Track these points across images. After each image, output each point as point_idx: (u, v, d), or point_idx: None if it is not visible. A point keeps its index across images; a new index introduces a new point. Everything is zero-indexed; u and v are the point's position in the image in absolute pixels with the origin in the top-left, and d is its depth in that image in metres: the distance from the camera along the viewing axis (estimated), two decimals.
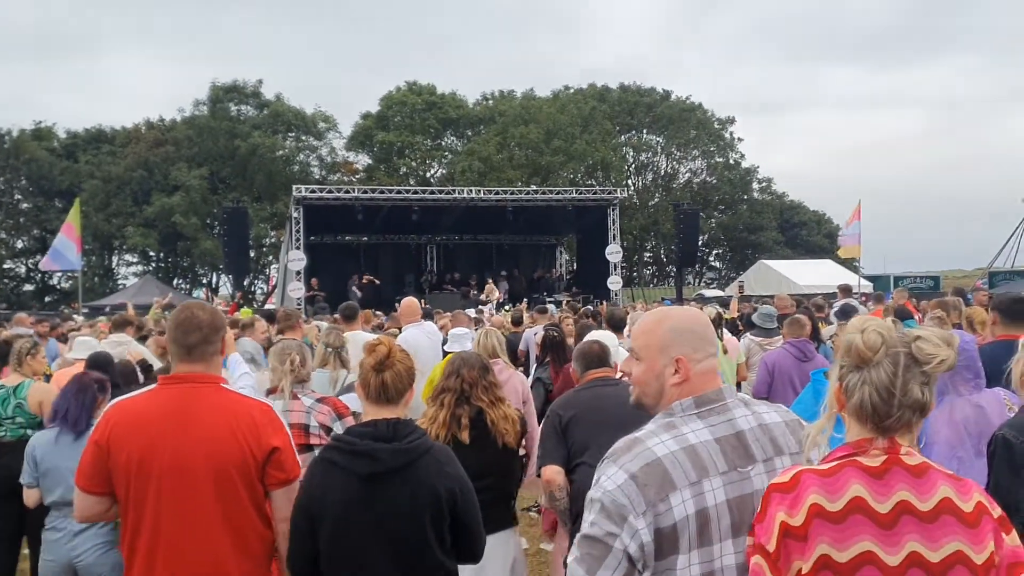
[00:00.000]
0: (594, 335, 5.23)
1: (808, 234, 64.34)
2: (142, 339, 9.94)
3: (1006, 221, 52.67)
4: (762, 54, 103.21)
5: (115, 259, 55.01)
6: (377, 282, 28.08)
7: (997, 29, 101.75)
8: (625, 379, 4.92)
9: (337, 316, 10.37)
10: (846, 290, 13.20)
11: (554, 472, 4.14)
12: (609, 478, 2.07)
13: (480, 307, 21.29)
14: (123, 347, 7.65)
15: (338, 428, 4.51)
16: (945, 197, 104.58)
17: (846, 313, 8.90)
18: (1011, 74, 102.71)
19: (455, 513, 2.93)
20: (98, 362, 5.85)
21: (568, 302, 22.31)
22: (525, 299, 25.09)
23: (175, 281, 52.81)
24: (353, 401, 4.51)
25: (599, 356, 4.58)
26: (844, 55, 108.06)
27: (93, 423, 3.89)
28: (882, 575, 1.78)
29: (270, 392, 4.65)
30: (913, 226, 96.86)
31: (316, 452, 4.04)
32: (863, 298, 17.38)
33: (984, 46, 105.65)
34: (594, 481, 2.12)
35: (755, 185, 65.76)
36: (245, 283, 40.35)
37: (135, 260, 54.71)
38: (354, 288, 27.05)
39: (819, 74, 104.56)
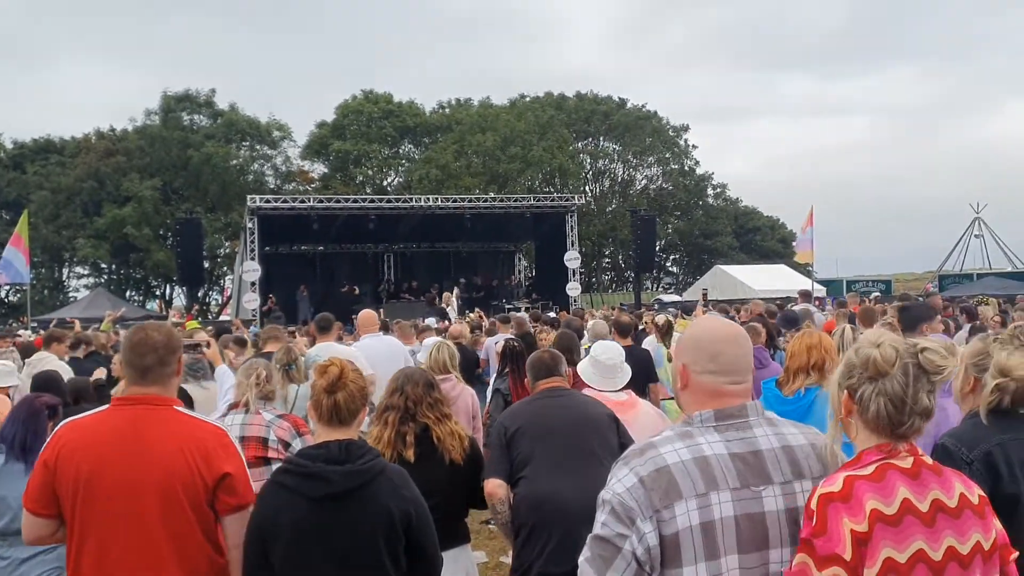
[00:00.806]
0: (603, 345, 5.14)
1: (763, 239, 65.14)
2: (93, 355, 9.74)
3: (955, 225, 54.00)
4: (714, 63, 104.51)
5: (65, 272, 53.96)
6: (356, 291, 28.02)
7: (943, 37, 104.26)
8: (584, 389, 4.93)
9: (311, 327, 10.30)
10: (806, 295, 13.29)
11: (495, 485, 4.06)
12: (619, 480, 2.10)
13: (442, 316, 21.21)
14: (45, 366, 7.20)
15: (297, 444, 4.48)
16: (895, 202, 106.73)
17: (789, 321, 8.97)
18: (956, 81, 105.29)
19: (410, 535, 2.90)
20: (48, 383, 5.63)
21: (527, 309, 22.35)
22: (478, 307, 25.05)
23: (127, 293, 51.87)
24: None
25: (549, 365, 4.51)
26: (794, 63, 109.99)
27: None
28: (930, 571, 1.90)
29: (234, 407, 4.59)
30: (864, 230, 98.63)
31: (273, 466, 4.00)
32: (818, 302, 17.65)
33: (931, 54, 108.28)
34: (607, 482, 2.14)
35: (710, 191, 66.46)
36: (199, 294, 39.83)
37: (86, 272, 53.66)
38: (303, 298, 26.91)
39: (770, 82, 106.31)
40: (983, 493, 2.04)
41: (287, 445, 4.47)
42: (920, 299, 12.33)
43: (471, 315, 18.50)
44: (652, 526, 2.02)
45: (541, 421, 4.20)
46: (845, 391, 2.09)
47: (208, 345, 6.51)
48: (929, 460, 2.03)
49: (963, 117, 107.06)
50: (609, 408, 4.39)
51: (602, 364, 4.89)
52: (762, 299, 14.14)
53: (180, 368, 3.12)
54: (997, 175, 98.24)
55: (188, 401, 5.26)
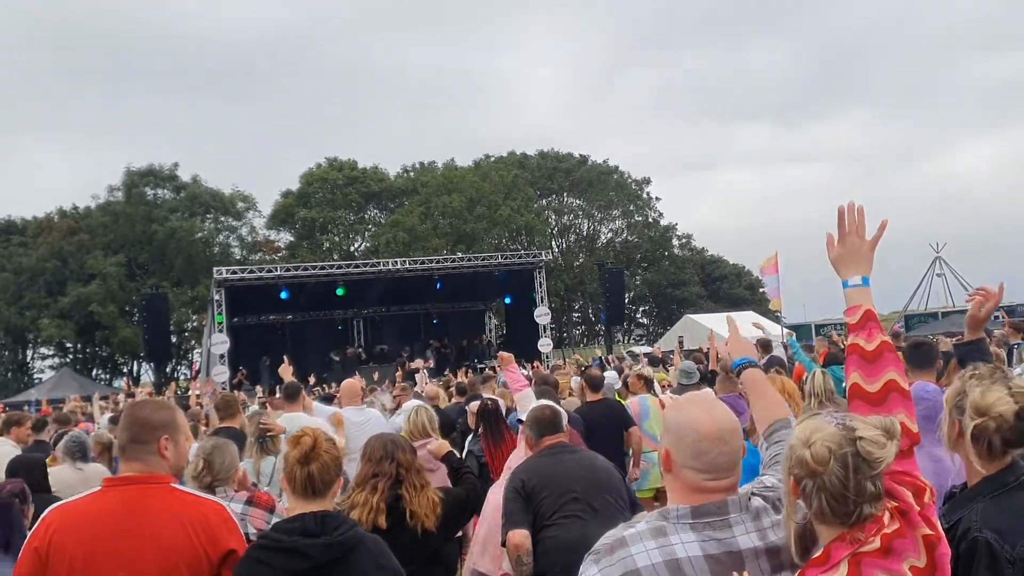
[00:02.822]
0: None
1: (730, 287, 65.79)
2: (62, 438, 9.47)
3: (917, 265, 54.75)
4: (672, 116, 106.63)
5: (29, 353, 53.05)
6: (363, 355, 27.89)
7: (895, 84, 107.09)
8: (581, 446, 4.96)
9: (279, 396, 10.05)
10: (765, 345, 12.63)
11: (522, 536, 4.10)
12: None
13: (414, 378, 20.97)
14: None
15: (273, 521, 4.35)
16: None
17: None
18: (909, 125, 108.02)
19: None
20: (15, 468, 5.38)
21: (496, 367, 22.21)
22: (452, 368, 24.89)
23: (94, 372, 51.07)
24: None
25: (553, 422, 4.57)
26: (751, 113, 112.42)
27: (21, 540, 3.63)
28: None
29: None
30: (829, 273, 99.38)
31: None
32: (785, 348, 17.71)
33: (883, 100, 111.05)
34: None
35: (675, 242, 67.35)
36: (167, 370, 39.26)
37: (51, 353, 52.80)
38: (265, 368, 26.66)
39: (728, 132, 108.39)
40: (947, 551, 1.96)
41: None
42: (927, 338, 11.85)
43: (442, 378, 18.34)
44: None
45: (560, 473, 4.29)
46: (792, 477, 2.00)
47: None
48: (890, 530, 1.92)
49: (918, 159, 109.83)
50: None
51: None
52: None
53: (182, 444, 3.07)
54: (954, 214, 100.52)
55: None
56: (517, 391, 5.68)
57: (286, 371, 8.17)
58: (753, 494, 2.20)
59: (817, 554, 1.96)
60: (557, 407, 4.73)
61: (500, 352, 6.29)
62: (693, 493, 2.14)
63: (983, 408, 2.52)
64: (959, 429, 2.64)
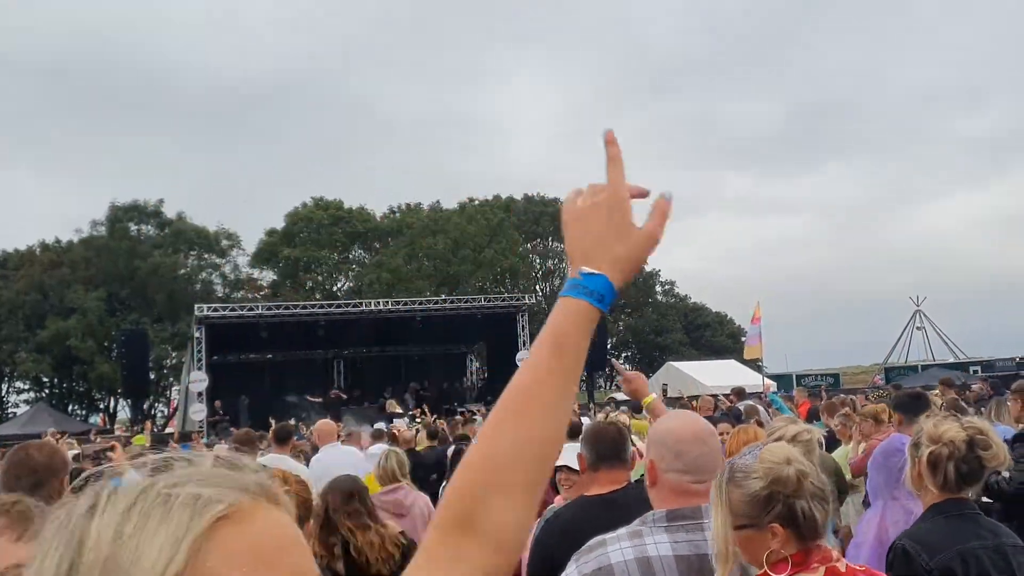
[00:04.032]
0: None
1: (712, 335, 65.96)
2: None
3: (897, 318, 55.21)
4: (656, 162, 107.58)
5: (4, 387, 52.37)
6: (344, 396, 27.61)
7: (877, 138, 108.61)
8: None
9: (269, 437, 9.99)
10: (739, 393, 12.61)
11: None
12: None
13: (393, 421, 20.82)
14: None
15: None
16: (839, 295, 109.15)
17: (735, 418, 8.91)
18: (891, 179, 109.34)
19: None
20: None
21: (481, 411, 22.10)
22: (432, 410, 24.74)
23: (70, 407, 50.38)
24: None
25: (617, 444, 3.41)
26: (734, 163, 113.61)
27: None
28: None
29: None
30: (810, 324, 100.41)
31: None
32: (765, 398, 17.73)
33: (865, 153, 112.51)
34: None
35: (658, 288, 67.56)
36: (144, 407, 38.87)
37: (26, 387, 52.14)
38: (243, 407, 26.39)
39: (712, 181, 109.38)
40: None
41: None
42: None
43: (418, 421, 18.22)
44: None
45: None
46: None
47: (113, 449, 6.25)
48: (843, 567, 1.93)
49: (899, 212, 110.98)
50: None
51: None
52: (711, 395, 13.97)
53: (62, 491, 2.87)
54: (934, 268, 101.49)
55: None
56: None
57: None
58: None
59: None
60: (624, 429, 3.71)
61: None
62: (677, 496, 2.24)
63: (935, 436, 2.68)
64: (918, 467, 2.77)
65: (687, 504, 2.21)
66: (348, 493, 4.11)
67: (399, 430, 12.12)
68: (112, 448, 6.27)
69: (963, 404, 7.87)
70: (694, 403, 12.70)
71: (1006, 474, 4.76)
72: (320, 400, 28.16)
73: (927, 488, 2.77)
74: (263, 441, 8.24)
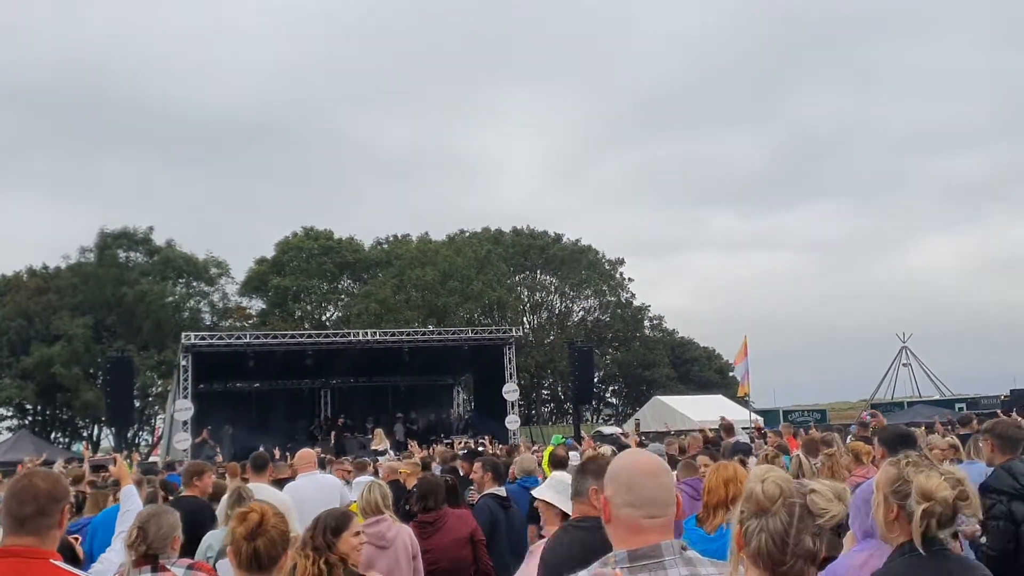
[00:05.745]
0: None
1: (700, 370, 65.95)
2: None
3: (884, 354, 55.24)
4: (645, 199, 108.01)
5: None
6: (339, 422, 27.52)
7: (863, 177, 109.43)
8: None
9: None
10: (728, 429, 12.55)
11: None
12: None
13: (376, 456, 20.68)
14: None
15: None
16: (825, 332, 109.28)
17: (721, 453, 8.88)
18: (877, 218, 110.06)
19: None
20: None
21: (465, 443, 22.02)
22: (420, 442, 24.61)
23: (53, 435, 49.90)
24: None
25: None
26: (721, 200, 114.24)
27: None
28: None
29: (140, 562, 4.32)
30: (798, 360, 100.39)
31: None
32: (756, 432, 17.78)
33: (852, 192, 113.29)
34: None
35: (646, 323, 67.66)
36: (129, 435, 38.53)
37: (9, 414, 51.58)
38: (226, 436, 26.18)
39: (699, 217, 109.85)
40: None
41: None
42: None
43: (403, 454, 18.10)
44: None
45: None
46: (739, 524, 2.07)
47: (115, 462, 6.26)
48: None
49: (883, 250, 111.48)
50: None
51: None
52: (698, 430, 13.94)
53: (63, 520, 2.95)
54: (920, 305, 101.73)
55: (70, 554, 4.97)
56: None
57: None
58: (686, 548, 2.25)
59: None
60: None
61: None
62: (632, 535, 2.21)
63: (929, 493, 2.68)
64: (897, 512, 2.79)
65: (644, 542, 2.17)
66: (316, 525, 4.09)
67: (383, 466, 12.05)
68: (113, 461, 6.32)
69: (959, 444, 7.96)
70: (683, 438, 12.67)
71: (982, 539, 4.81)
72: (311, 427, 27.97)
73: (902, 530, 2.82)
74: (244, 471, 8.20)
